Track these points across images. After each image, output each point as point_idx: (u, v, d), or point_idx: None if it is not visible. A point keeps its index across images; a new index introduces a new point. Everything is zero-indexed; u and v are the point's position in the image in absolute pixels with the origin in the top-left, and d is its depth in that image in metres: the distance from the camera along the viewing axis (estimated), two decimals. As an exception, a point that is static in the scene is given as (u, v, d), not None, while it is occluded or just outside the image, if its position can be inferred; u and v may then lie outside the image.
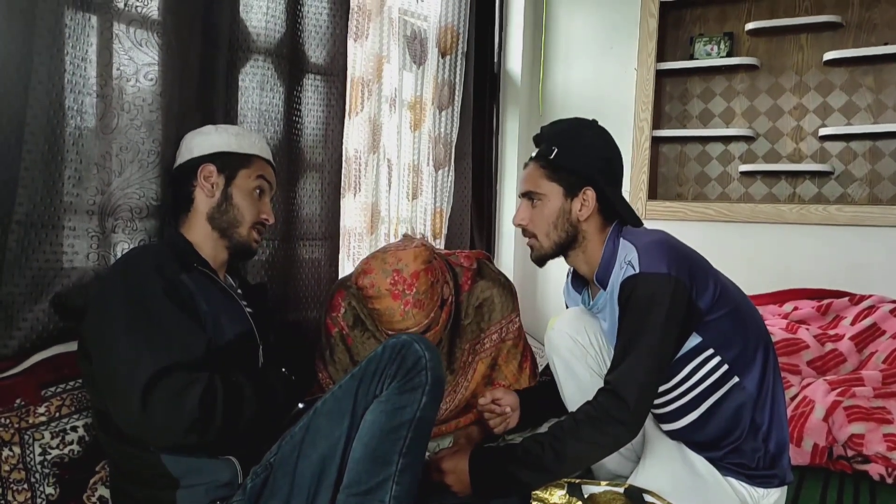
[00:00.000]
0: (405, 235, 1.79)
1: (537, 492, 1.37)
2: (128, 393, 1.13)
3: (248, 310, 1.44)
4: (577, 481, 1.39)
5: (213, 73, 1.70)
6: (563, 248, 1.52)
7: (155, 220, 1.58)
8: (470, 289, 1.81)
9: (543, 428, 1.53)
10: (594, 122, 1.56)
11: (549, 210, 1.50)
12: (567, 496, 1.37)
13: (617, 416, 1.34)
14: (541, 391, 1.77)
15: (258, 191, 1.46)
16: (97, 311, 1.23)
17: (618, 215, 1.52)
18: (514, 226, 1.56)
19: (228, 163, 1.43)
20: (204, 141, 1.45)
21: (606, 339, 1.57)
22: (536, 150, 1.54)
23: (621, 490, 1.38)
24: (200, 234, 1.42)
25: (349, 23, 2.11)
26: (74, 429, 1.36)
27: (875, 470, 1.91)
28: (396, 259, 1.59)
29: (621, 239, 1.48)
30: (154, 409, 1.12)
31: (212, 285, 1.36)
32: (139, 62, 1.53)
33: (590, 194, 1.48)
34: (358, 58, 2.25)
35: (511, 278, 2.00)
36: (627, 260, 1.42)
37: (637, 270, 1.38)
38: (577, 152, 1.49)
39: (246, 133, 1.50)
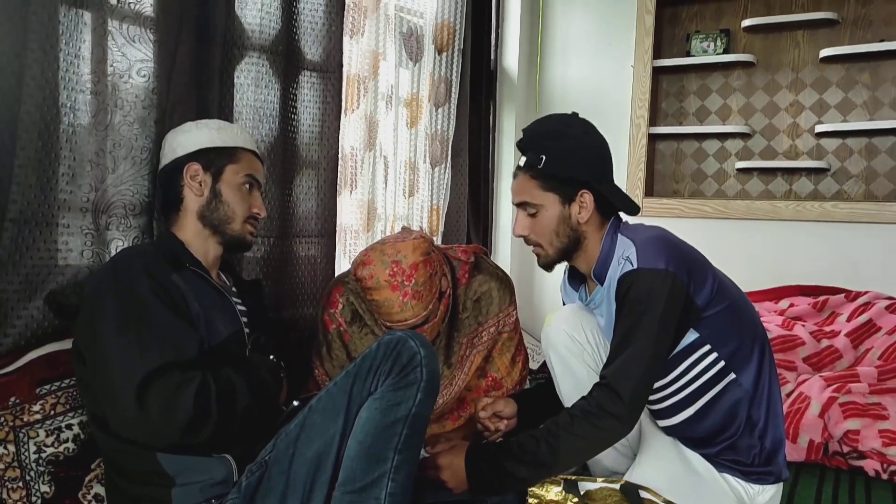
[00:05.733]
0: (404, 227, 1.78)
1: (534, 489, 1.37)
2: (122, 394, 1.12)
3: (241, 308, 1.44)
4: (574, 478, 1.39)
5: (208, 70, 1.69)
6: (569, 252, 1.51)
7: (148, 217, 1.58)
8: (468, 282, 1.81)
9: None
10: (574, 115, 1.53)
11: (548, 219, 1.48)
12: (563, 493, 1.37)
13: (612, 410, 1.34)
14: (537, 393, 1.77)
15: (247, 185, 1.44)
16: (88, 313, 1.23)
17: (615, 209, 1.52)
18: (515, 237, 1.55)
19: (214, 159, 1.41)
20: (186, 139, 1.43)
21: (603, 336, 1.57)
22: (522, 156, 1.51)
23: (617, 486, 1.38)
24: (191, 232, 1.41)
25: (345, 19, 2.10)
26: (70, 427, 1.36)
27: (870, 466, 1.91)
28: (395, 250, 1.60)
29: (619, 235, 1.47)
30: (149, 410, 1.12)
31: (204, 284, 1.36)
32: (133, 59, 1.53)
33: (587, 197, 1.46)
34: (354, 54, 2.25)
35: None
36: (626, 256, 1.41)
37: (635, 266, 1.38)
38: (567, 156, 1.45)
39: (227, 126, 1.48)
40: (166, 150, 1.46)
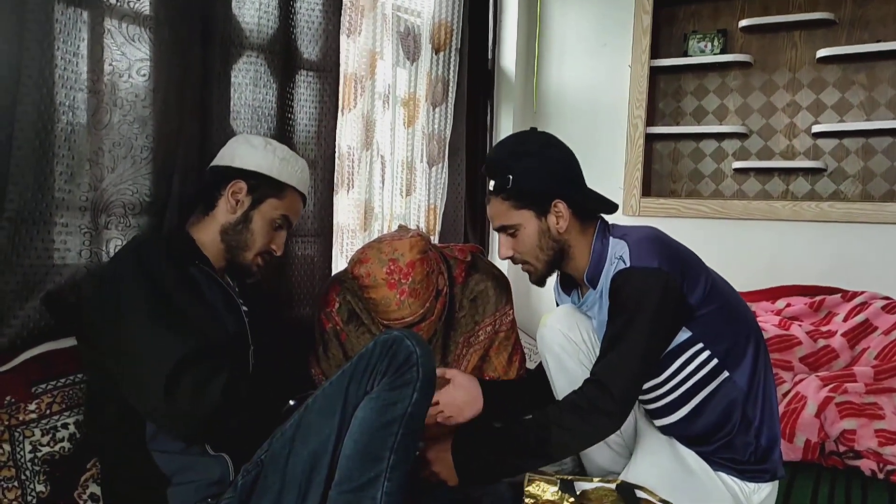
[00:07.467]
0: (401, 226, 1.79)
1: (529, 488, 1.38)
2: (152, 379, 1.13)
3: (244, 309, 1.45)
4: (570, 478, 1.40)
5: (207, 69, 1.69)
6: (557, 262, 1.52)
7: (148, 216, 1.58)
8: (464, 281, 1.81)
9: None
10: (533, 130, 1.55)
11: (529, 237, 1.49)
12: (559, 493, 1.37)
13: (601, 406, 1.35)
14: (526, 384, 1.77)
15: (277, 223, 1.46)
16: (110, 299, 1.22)
17: (594, 212, 1.52)
18: (501, 259, 1.56)
19: (261, 186, 1.43)
20: (248, 154, 1.44)
21: (597, 336, 1.57)
22: (491, 181, 1.51)
23: (613, 486, 1.38)
24: (209, 238, 1.42)
25: (342, 19, 2.10)
26: (65, 426, 1.36)
27: (866, 465, 1.92)
28: (392, 249, 1.60)
29: (610, 237, 1.48)
30: (179, 396, 1.13)
31: (212, 282, 1.37)
32: (131, 58, 1.52)
33: (561, 206, 1.47)
34: (351, 54, 2.25)
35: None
36: (619, 255, 1.42)
37: (628, 265, 1.39)
38: (532, 171, 1.46)
39: (292, 159, 1.49)
40: (226, 152, 1.47)
